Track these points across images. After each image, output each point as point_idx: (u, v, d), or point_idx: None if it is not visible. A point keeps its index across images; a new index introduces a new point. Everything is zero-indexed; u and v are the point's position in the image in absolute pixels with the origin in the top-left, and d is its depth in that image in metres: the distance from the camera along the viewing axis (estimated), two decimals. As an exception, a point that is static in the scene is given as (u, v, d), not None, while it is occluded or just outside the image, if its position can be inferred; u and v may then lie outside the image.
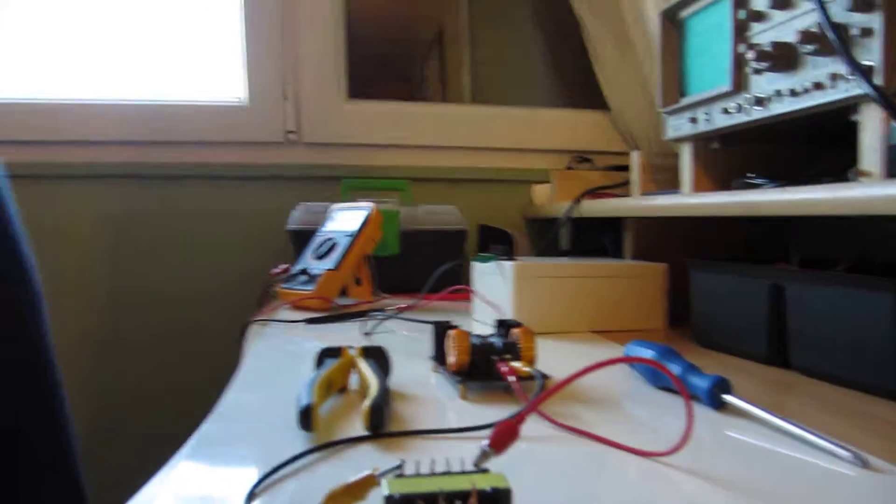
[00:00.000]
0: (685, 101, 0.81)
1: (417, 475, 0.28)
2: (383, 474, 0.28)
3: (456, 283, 0.98)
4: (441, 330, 0.58)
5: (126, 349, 1.33)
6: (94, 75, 1.37)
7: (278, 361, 0.63)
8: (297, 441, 0.40)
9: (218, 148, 1.36)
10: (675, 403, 0.50)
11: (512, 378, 0.49)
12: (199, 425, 0.44)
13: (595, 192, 1.16)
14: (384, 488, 0.27)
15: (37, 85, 1.35)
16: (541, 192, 1.40)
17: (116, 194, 1.32)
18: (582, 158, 1.40)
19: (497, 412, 0.47)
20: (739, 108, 0.71)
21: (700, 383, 0.49)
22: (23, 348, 0.52)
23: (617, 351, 0.69)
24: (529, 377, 0.50)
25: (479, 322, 0.87)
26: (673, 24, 0.84)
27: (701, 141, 0.83)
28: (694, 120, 0.80)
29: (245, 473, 0.36)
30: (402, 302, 0.97)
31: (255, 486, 0.33)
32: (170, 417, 1.34)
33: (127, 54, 1.39)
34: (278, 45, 1.37)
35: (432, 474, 0.28)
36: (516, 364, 0.51)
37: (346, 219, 1.04)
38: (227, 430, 0.43)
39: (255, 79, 1.37)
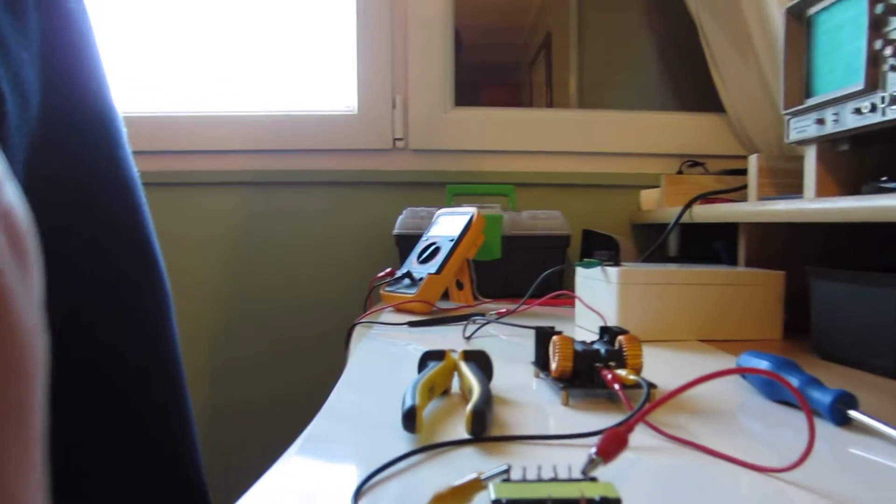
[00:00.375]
0: (811, 101, 0.77)
1: (524, 481, 0.27)
2: (489, 478, 0.28)
3: (558, 289, 0.96)
4: (544, 335, 0.57)
5: (240, 347, 1.40)
6: (220, 89, 1.46)
7: (381, 363, 0.65)
8: (401, 441, 0.41)
9: (329, 155, 1.41)
10: (793, 418, 0.47)
11: (616, 386, 0.48)
12: (307, 423, 0.45)
13: (708, 197, 1.11)
14: (491, 492, 0.26)
15: (167, 100, 1.45)
16: (649, 198, 1.36)
17: (237, 200, 1.39)
18: (693, 162, 1.35)
19: (600, 420, 0.46)
20: (873, 108, 0.66)
21: (822, 397, 0.46)
22: (154, 354, 0.55)
23: (728, 361, 0.66)
24: (635, 385, 0.48)
25: (582, 328, 0.85)
26: (799, 21, 0.80)
27: (827, 143, 0.78)
28: (821, 121, 0.75)
29: (351, 471, 0.37)
30: (503, 306, 0.97)
31: (362, 484, 0.34)
32: (280, 414, 1.40)
33: (250, 69, 1.47)
34: (388, 57, 1.40)
35: (539, 480, 0.27)
36: (621, 372, 0.50)
37: (449, 224, 1.05)
38: (334, 428, 0.44)
39: (365, 88, 1.41)
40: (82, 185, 0.51)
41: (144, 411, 0.54)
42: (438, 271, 0.97)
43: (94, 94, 0.52)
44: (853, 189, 0.77)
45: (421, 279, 0.97)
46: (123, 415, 0.52)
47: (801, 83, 0.80)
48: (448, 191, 1.25)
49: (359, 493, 0.33)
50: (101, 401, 0.50)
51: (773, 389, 0.52)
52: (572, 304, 0.94)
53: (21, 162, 0.44)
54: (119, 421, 0.52)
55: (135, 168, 0.57)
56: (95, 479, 0.50)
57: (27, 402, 0.18)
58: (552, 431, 0.44)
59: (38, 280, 0.19)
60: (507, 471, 0.28)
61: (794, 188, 0.93)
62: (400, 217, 1.22)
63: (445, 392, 0.53)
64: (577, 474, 0.29)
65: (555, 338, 0.52)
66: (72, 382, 0.48)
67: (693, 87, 1.47)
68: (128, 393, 0.52)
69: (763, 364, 0.52)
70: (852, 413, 0.44)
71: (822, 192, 0.79)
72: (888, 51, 0.60)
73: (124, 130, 0.56)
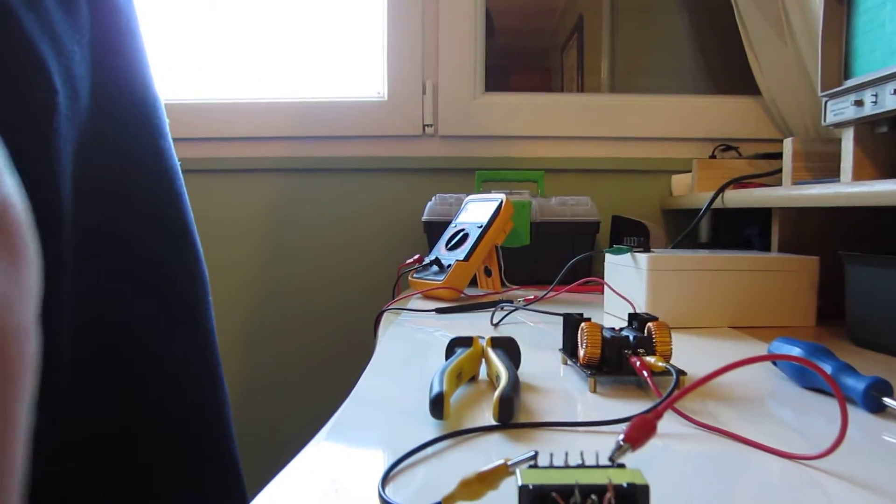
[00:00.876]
0: (850, 82, 0.75)
1: (551, 467, 0.27)
2: (516, 464, 0.28)
3: (587, 276, 0.96)
4: (572, 322, 0.57)
5: (268, 330, 1.42)
6: (248, 76, 1.47)
7: (408, 349, 0.65)
8: (428, 427, 0.41)
9: (359, 142, 1.41)
10: (824, 405, 0.47)
11: (645, 373, 0.48)
12: (336, 409, 0.46)
13: (741, 182, 1.09)
14: (518, 478, 0.26)
15: (193, 87, 1.47)
16: (681, 183, 1.34)
17: (265, 187, 1.41)
18: (726, 147, 1.33)
19: (628, 407, 0.46)
20: (912, 88, 0.64)
21: (855, 384, 0.45)
22: (190, 344, 0.56)
23: (760, 348, 0.65)
24: (664, 372, 0.48)
25: (611, 315, 0.84)
26: (839, 0, 0.77)
27: (866, 125, 0.76)
28: (859, 103, 0.73)
29: (378, 457, 0.37)
30: (531, 293, 0.97)
31: (389, 470, 0.34)
32: (308, 399, 1.41)
33: (279, 55, 1.48)
34: (418, 42, 1.40)
35: (566, 467, 0.27)
36: (650, 359, 0.49)
37: (477, 210, 1.05)
38: (362, 414, 0.45)
39: (394, 74, 1.41)
40: (126, 176, 0.51)
41: (181, 403, 0.55)
42: (466, 258, 0.97)
43: (140, 86, 0.53)
44: (892, 172, 0.75)
45: (449, 266, 0.97)
46: (160, 407, 0.53)
47: (839, 64, 0.77)
48: (477, 177, 1.25)
49: (386, 478, 0.33)
50: (137, 394, 0.51)
51: (805, 376, 0.51)
52: (601, 291, 0.93)
53: (70, 154, 0.44)
54: (155, 413, 0.52)
55: (176, 157, 0.58)
56: (131, 471, 0.50)
57: (7, 402, 0.17)
58: (580, 418, 0.43)
59: (32, 278, 0.19)
60: (534, 457, 0.28)
61: (830, 172, 0.91)
62: (429, 203, 1.22)
63: (473, 379, 0.53)
64: (604, 461, 0.28)
65: (583, 324, 0.52)
66: (109, 377, 0.49)
67: (728, 69, 1.44)
68: (164, 385, 0.53)
69: (795, 350, 0.51)
70: (887, 400, 0.43)
71: (859, 175, 0.77)
72: (930, 29, 0.59)
73: (167, 120, 0.57)
